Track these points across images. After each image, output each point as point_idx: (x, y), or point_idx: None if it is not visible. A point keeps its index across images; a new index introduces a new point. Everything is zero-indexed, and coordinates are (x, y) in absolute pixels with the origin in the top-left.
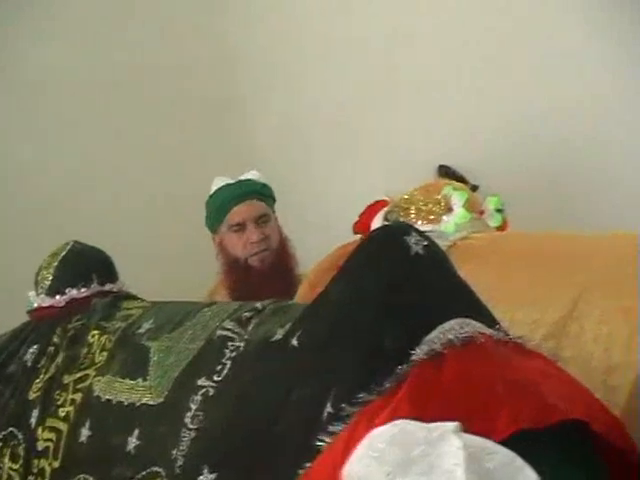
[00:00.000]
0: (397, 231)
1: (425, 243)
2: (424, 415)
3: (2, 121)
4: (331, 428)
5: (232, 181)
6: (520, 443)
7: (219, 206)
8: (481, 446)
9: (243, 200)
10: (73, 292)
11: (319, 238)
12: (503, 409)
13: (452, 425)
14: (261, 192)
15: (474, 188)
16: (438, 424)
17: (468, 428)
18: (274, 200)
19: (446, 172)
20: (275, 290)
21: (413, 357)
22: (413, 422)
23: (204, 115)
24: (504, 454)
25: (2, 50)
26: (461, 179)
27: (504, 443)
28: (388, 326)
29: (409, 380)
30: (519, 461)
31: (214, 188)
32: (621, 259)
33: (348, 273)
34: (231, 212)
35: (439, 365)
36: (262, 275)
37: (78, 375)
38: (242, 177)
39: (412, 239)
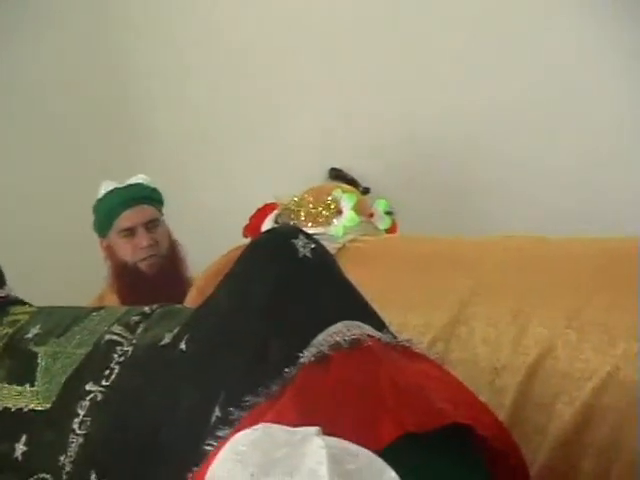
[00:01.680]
0: (285, 234)
1: (313, 246)
2: (307, 419)
3: None
4: (219, 432)
5: (121, 185)
6: (406, 447)
7: (108, 211)
8: (342, 447)
9: (133, 205)
10: None
11: (210, 242)
12: (388, 414)
13: (314, 429)
14: (150, 196)
15: (365, 191)
16: (301, 428)
17: (352, 432)
18: (162, 204)
19: (337, 175)
20: (165, 294)
21: (300, 360)
22: (275, 425)
23: (93, 116)
24: (365, 456)
25: None
26: (352, 182)
27: (390, 448)
28: (275, 329)
29: (295, 383)
30: (380, 463)
31: (102, 192)
32: (509, 261)
33: (235, 276)
34: (120, 217)
35: (326, 368)
36: (152, 280)
37: None
38: (131, 181)
39: (300, 242)
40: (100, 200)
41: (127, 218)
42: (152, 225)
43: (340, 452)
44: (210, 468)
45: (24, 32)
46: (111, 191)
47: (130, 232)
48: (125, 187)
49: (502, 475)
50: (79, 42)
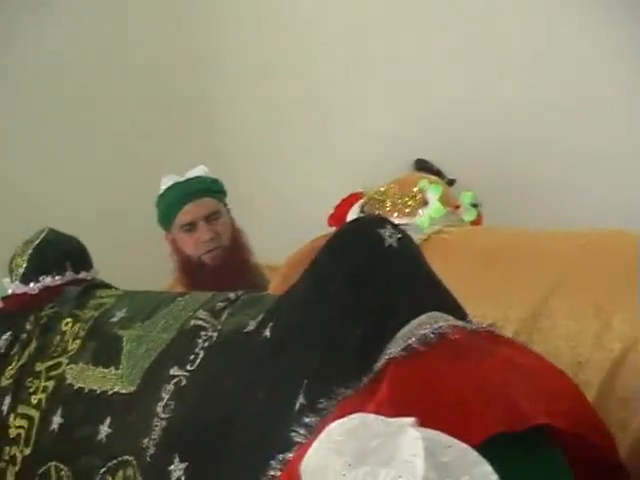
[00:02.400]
0: (371, 223)
1: (399, 236)
2: (403, 415)
3: None
4: (306, 420)
5: (181, 179)
6: (491, 447)
7: (169, 206)
8: (437, 439)
9: (193, 199)
10: (47, 280)
11: (293, 230)
12: (475, 417)
13: (409, 419)
14: (210, 188)
15: (450, 182)
16: (396, 419)
17: (443, 430)
18: (225, 194)
19: (423, 166)
20: (231, 284)
21: (388, 353)
22: (371, 415)
23: (170, 106)
24: (459, 448)
25: None
26: (438, 173)
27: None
28: (360, 319)
29: (388, 379)
30: (474, 455)
31: (163, 187)
32: (590, 255)
33: (320, 264)
34: (181, 212)
35: (416, 362)
36: (216, 271)
37: (50, 363)
38: (190, 174)
39: (386, 232)
40: (161, 195)
41: (187, 213)
42: (213, 217)
43: (434, 444)
44: (305, 456)
45: (110, 24)
46: (170, 186)
47: (191, 226)
48: (184, 181)
49: (589, 463)
50: (159, 34)
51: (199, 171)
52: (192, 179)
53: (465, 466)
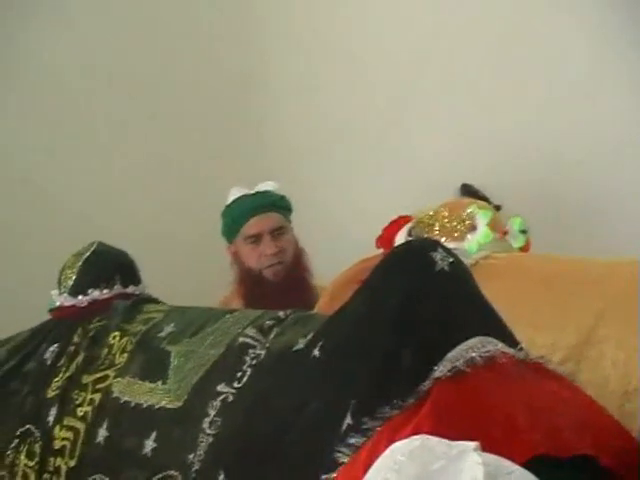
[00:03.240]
0: (423, 246)
1: (451, 260)
2: (445, 435)
3: (19, 120)
4: (351, 440)
5: (250, 192)
6: (536, 469)
7: (236, 217)
8: (499, 465)
9: (260, 212)
10: (95, 293)
11: (338, 251)
12: (520, 435)
13: (473, 444)
14: (278, 204)
15: (497, 208)
16: (459, 442)
17: (488, 451)
18: (291, 212)
19: (468, 191)
20: (289, 302)
21: (435, 374)
22: (433, 437)
23: (222, 124)
24: (521, 473)
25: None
26: (483, 198)
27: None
28: (409, 341)
29: (432, 398)
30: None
31: (231, 198)
32: (638, 282)
33: (371, 286)
34: (248, 223)
35: (461, 384)
36: (275, 287)
37: (97, 375)
38: (259, 188)
39: (438, 255)
40: (228, 206)
41: (253, 225)
42: (278, 233)
43: (496, 469)
44: (367, 474)
45: (161, 35)
46: (239, 197)
47: (256, 239)
48: (253, 194)
49: None
50: (215, 45)
51: (268, 186)
52: (261, 193)
53: None
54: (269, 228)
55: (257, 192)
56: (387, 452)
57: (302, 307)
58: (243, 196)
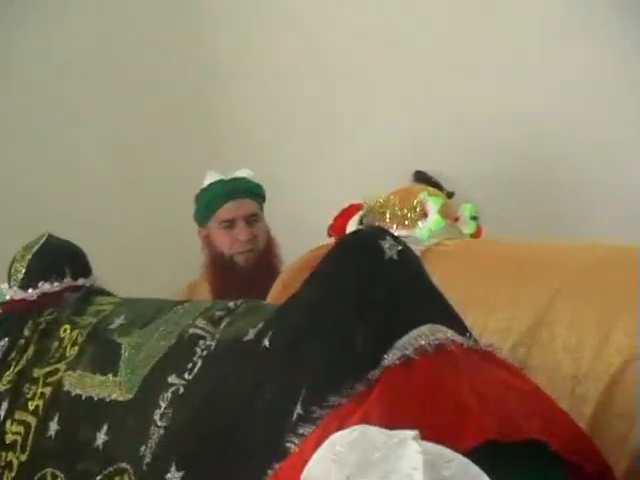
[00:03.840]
0: (372, 235)
1: (399, 248)
2: (394, 422)
3: None
4: (300, 430)
5: (226, 178)
6: (486, 454)
7: (211, 200)
8: (438, 453)
9: (236, 197)
10: (45, 286)
11: (297, 240)
12: (471, 420)
13: (411, 432)
14: (254, 191)
15: (450, 195)
16: (398, 431)
17: (436, 436)
18: (264, 200)
19: (422, 178)
20: (257, 289)
21: (384, 362)
22: (373, 427)
23: (187, 113)
24: (460, 462)
25: None
26: (437, 185)
27: (470, 452)
28: (359, 329)
29: (380, 385)
30: (475, 469)
31: (207, 182)
32: (592, 267)
33: (321, 275)
34: (222, 208)
35: (410, 371)
36: (245, 273)
37: (48, 369)
38: (236, 174)
39: (387, 243)
40: (203, 190)
41: (229, 210)
42: (252, 219)
43: (436, 457)
44: (307, 466)
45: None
46: (216, 182)
47: (230, 224)
48: (230, 180)
49: None
50: (172, 34)
51: (244, 173)
52: (237, 179)
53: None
54: (244, 214)
55: (233, 178)
56: (326, 443)
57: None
58: (220, 180)
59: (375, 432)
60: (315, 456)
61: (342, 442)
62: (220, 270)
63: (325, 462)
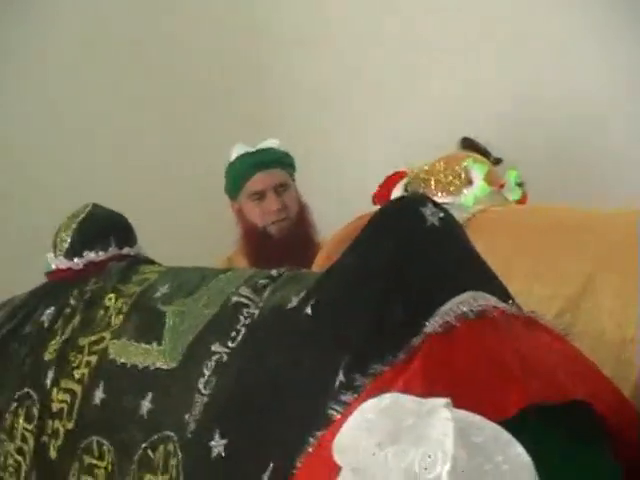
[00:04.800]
0: (413, 202)
1: (441, 215)
2: (436, 389)
3: (18, 84)
4: (342, 397)
5: (253, 149)
6: (529, 419)
7: (239, 173)
8: (469, 420)
9: (264, 168)
10: (91, 255)
11: (339, 207)
12: (514, 385)
13: (443, 400)
14: (282, 161)
15: (497, 161)
16: (429, 399)
17: (478, 403)
18: (294, 169)
19: (469, 144)
20: (294, 258)
21: (426, 329)
22: (404, 395)
23: (224, 81)
24: (492, 428)
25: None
26: (484, 152)
27: (513, 419)
28: (400, 297)
29: (422, 353)
30: (506, 436)
31: (234, 155)
32: (637, 234)
33: (362, 243)
34: (251, 180)
35: (452, 338)
36: (280, 243)
37: (93, 338)
38: (263, 145)
39: (428, 210)
40: (232, 163)
41: (257, 181)
42: (282, 189)
43: (467, 425)
44: (338, 434)
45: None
46: (243, 154)
47: (260, 195)
48: (256, 151)
49: (623, 450)
50: (218, 5)
51: (271, 143)
52: (264, 149)
53: (498, 447)
54: (273, 184)
55: (260, 149)
56: (357, 411)
57: (306, 263)
58: (246, 153)
59: (406, 400)
60: (346, 424)
61: (373, 409)
62: (255, 242)
63: (356, 430)
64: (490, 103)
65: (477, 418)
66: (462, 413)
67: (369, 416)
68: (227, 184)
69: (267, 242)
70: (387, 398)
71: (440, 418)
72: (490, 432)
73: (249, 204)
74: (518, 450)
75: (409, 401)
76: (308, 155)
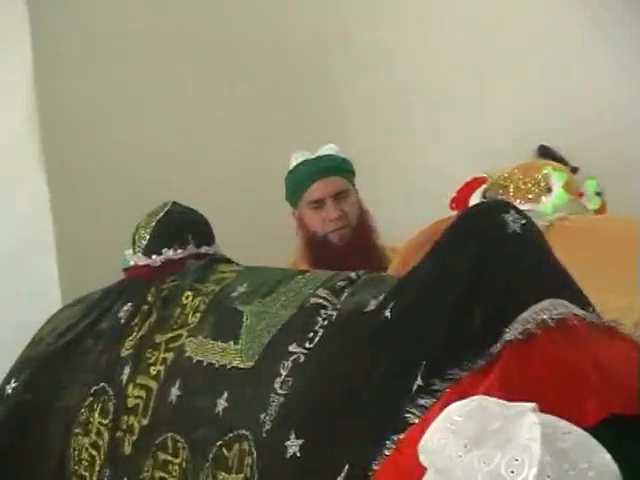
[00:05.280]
0: (495, 208)
1: (523, 222)
2: (515, 396)
3: (100, 85)
4: (421, 401)
5: (311, 156)
6: (609, 428)
7: (298, 182)
8: (556, 425)
9: (322, 176)
10: (169, 253)
11: (416, 213)
12: (593, 394)
13: (530, 405)
14: (340, 167)
15: (574, 170)
16: (516, 403)
17: (557, 412)
18: (354, 174)
19: (546, 152)
20: (356, 264)
21: (506, 336)
22: (491, 398)
23: (295, 84)
24: (579, 434)
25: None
26: (561, 160)
27: (592, 428)
28: (480, 302)
29: (502, 360)
30: (593, 442)
31: (293, 163)
32: None
33: (442, 247)
34: (310, 188)
35: (532, 346)
36: (341, 251)
37: (170, 335)
38: (321, 152)
39: (510, 217)
40: (291, 172)
41: (316, 190)
42: (341, 196)
43: (553, 430)
44: (424, 436)
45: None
46: (301, 163)
47: (319, 204)
48: (314, 158)
49: None
50: (285, 5)
51: (330, 149)
52: (323, 157)
53: (584, 453)
54: (332, 192)
55: (318, 156)
56: (444, 413)
57: (370, 268)
58: (305, 161)
59: (493, 403)
60: (433, 426)
61: (460, 412)
62: (316, 249)
63: (443, 432)
64: (568, 112)
65: (563, 423)
66: (549, 418)
67: (455, 418)
68: (287, 193)
69: (328, 249)
70: (474, 401)
71: (527, 422)
72: (576, 438)
73: (309, 212)
74: (605, 457)
75: (495, 405)
76: (376, 160)
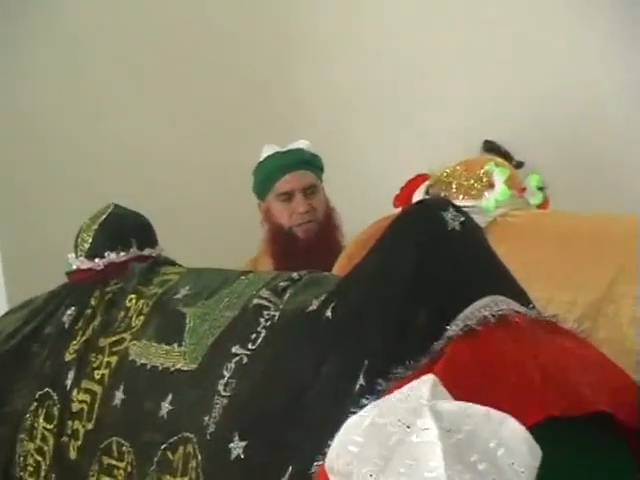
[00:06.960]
0: (434, 206)
1: (462, 219)
2: (458, 395)
3: (49, 79)
4: (364, 401)
5: (282, 150)
6: (547, 427)
7: (268, 174)
8: (454, 412)
9: (293, 169)
10: (112, 256)
11: (364, 210)
12: (534, 395)
13: (425, 393)
14: (311, 162)
15: (519, 165)
16: (413, 392)
17: (497, 409)
18: (323, 171)
19: (491, 147)
20: (319, 261)
21: (448, 333)
22: (382, 403)
23: (249, 82)
24: (479, 412)
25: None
26: (506, 155)
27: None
28: (422, 301)
29: (444, 357)
30: (498, 414)
31: (264, 155)
32: None
33: (383, 246)
34: (280, 180)
35: (474, 343)
36: (306, 246)
37: (114, 338)
38: (292, 146)
39: (449, 214)
40: (261, 163)
41: (286, 182)
42: (310, 191)
43: (453, 419)
44: (328, 456)
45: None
46: (272, 155)
47: (288, 196)
48: (286, 152)
49: None
50: (246, 6)
51: (301, 144)
52: (294, 150)
53: (491, 429)
54: (302, 186)
55: (291, 150)
56: (343, 430)
57: (331, 266)
58: (276, 153)
59: (387, 409)
60: (335, 445)
61: (359, 431)
62: (280, 243)
63: (346, 455)
64: (512, 107)
65: (461, 405)
66: (445, 405)
67: (356, 439)
68: (255, 183)
69: (293, 243)
70: (370, 411)
71: (426, 434)
72: (475, 421)
73: (277, 204)
74: (514, 426)
75: (390, 409)
76: (335, 157)
